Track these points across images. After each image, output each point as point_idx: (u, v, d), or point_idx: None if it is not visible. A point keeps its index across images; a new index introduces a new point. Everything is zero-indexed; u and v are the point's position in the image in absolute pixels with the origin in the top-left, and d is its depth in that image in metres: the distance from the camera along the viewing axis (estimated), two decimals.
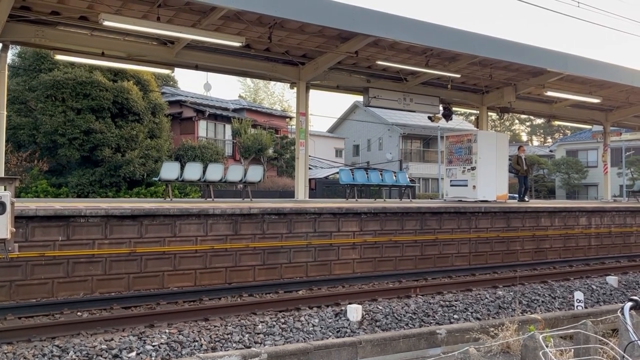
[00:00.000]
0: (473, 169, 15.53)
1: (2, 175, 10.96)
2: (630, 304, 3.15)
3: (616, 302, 10.04)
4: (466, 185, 15.68)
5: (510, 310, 8.86)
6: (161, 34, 11.71)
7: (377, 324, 7.73)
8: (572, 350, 4.67)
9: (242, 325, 7.15)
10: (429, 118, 18.37)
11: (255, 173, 14.14)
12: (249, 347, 6.56)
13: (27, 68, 20.86)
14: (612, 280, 11.14)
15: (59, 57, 12.54)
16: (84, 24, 11.75)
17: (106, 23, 10.24)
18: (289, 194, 21.11)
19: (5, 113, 11.78)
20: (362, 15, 11.62)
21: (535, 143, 69.67)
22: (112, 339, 6.38)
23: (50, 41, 11.82)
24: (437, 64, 15.02)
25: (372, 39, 12.37)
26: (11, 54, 20.65)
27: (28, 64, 20.95)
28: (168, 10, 11.23)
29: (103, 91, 20.42)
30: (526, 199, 18.37)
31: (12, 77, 20.10)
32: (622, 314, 3.15)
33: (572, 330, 4.57)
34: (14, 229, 5.07)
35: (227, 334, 6.84)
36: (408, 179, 18.49)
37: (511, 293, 9.77)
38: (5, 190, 5.00)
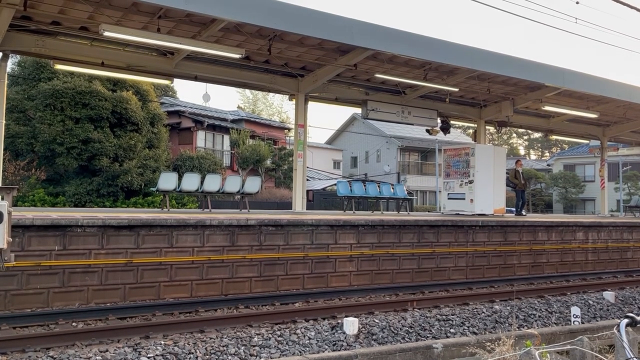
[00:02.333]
0: (471, 182, 15.57)
1: (0, 185, 10.95)
2: (626, 320, 3.14)
3: (613, 318, 10.03)
4: (464, 199, 15.70)
5: (507, 324, 8.84)
6: (161, 45, 11.76)
7: (374, 337, 7.70)
8: None
9: (238, 338, 7.11)
10: (427, 131, 18.45)
11: (253, 184, 14.15)
12: None
13: (27, 77, 20.89)
14: (609, 295, 11.13)
15: (59, 66, 12.58)
16: (84, 34, 11.81)
17: (106, 34, 10.27)
18: (287, 205, 21.09)
19: (4, 122, 11.79)
20: (361, 29, 11.69)
21: (533, 157, 69.88)
22: (107, 350, 6.34)
23: (50, 51, 11.87)
24: (436, 77, 15.10)
25: (371, 52, 12.44)
26: (11, 63, 20.71)
27: (28, 73, 20.98)
28: (168, 22, 11.29)
29: (102, 101, 20.45)
30: (523, 212, 18.40)
31: (11, 85, 20.14)
32: (619, 331, 3.14)
33: (568, 347, 4.57)
34: (11, 239, 5.06)
35: (223, 346, 6.81)
36: (406, 192, 18.51)
37: (508, 307, 9.75)
38: (2, 199, 4.99)
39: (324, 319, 8.32)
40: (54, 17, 11.09)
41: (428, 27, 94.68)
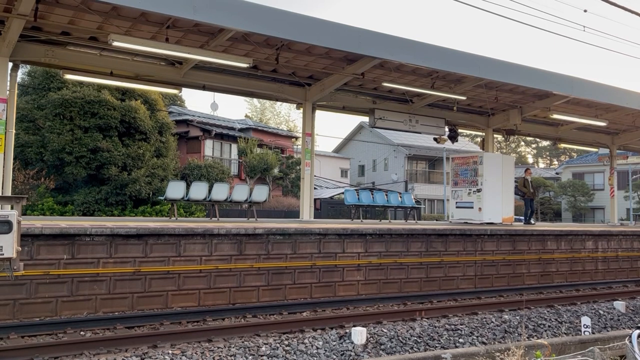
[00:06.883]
0: (479, 191, 15.51)
1: (10, 194, 11.01)
2: (638, 331, 3.12)
3: (624, 328, 9.91)
4: (472, 207, 15.63)
5: (517, 334, 8.76)
6: (169, 54, 11.84)
7: (382, 347, 7.66)
8: None
9: (245, 347, 7.09)
10: (435, 139, 18.41)
11: (261, 193, 14.16)
12: None
13: (37, 87, 21.07)
14: (620, 305, 11.01)
15: (68, 76, 12.67)
16: (93, 44, 11.90)
17: (115, 43, 10.36)
18: (294, 213, 21.10)
19: (14, 131, 11.88)
20: (368, 38, 11.72)
21: (541, 165, 69.58)
22: (115, 359, 6.35)
23: (60, 61, 11.96)
24: (443, 86, 15.09)
25: (378, 61, 12.46)
26: (21, 73, 20.89)
27: (37, 83, 21.16)
28: (177, 32, 11.36)
29: (111, 110, 20.58)
30: (532, 221, 18.29)
31: (21, 95, 20.32)
32: (630, 342, 3.11)
33: (579, 357, 4.52)
34: (20, 248, 5.08)
35: (231, 356, 6.79)
36: (413, 200, 18.46)
37: (517, 317, 9.67)
38: (12, 208, 5.01)
39: (331, 328, 8.28)
40: (64, 28, 11.20)
41: (434, 37, 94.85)
